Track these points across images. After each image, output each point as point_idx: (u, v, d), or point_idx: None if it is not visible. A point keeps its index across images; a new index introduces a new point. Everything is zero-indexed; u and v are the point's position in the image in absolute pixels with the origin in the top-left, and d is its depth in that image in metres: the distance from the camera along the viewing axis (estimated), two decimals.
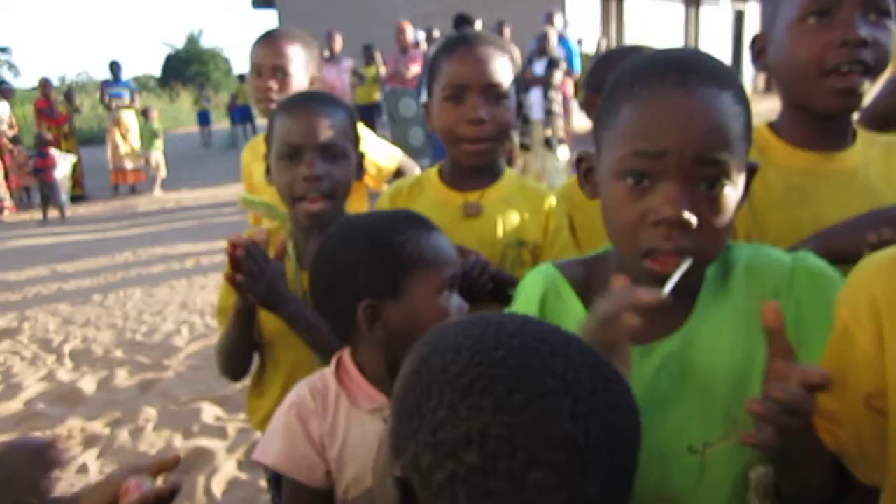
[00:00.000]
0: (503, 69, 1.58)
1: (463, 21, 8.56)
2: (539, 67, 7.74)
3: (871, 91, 1.26)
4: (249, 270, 1.44)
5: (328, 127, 1.56)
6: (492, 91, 1.56)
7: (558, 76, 7.70)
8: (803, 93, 1.26)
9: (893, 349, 0.88)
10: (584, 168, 1.05)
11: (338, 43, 9.42)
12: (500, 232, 1.59)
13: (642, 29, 14.52)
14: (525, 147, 7.85)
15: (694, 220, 0.89)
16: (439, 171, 1.69)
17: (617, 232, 0.97)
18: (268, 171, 1.64)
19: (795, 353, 0.88)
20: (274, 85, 2.18)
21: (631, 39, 12.24)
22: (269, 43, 2.22)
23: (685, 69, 0.92)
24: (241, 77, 20.22)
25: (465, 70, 1.56)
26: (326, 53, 9.20)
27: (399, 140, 8.17)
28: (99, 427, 3.75)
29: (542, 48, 7.86)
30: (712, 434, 0.97)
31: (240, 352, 1.63)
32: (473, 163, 1.61)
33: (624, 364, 0.86)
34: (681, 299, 0.99)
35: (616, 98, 0.96)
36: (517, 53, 6.76)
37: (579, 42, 10.12)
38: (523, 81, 7.58)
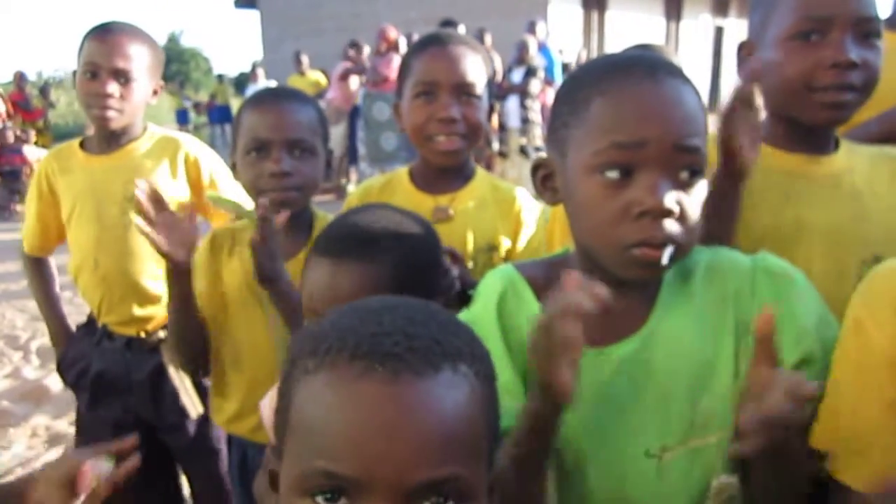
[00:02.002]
0: (475, 69, 1.58)
1: (448, 26, 8.58)
2: (517, 76, 7.78)
3: (859, 108, 1.26)
4: (261, 236, 1.42)
5: (296, 122, 1.56)
6: (463, 90, 1.56)
7: (535, 85, 7.76)
8: (789, 105, 1.27)
9: None
10: (541, 175, 1.04)
11: (392, 35, 8.85)
12: (470, 237, 1.59)
13: (623, 41, 14.62)
14: (503, 154, 7.89)
15: (677, 208, 0.90)
16: (410, 174, 1.69)
17: (595, 228, 0.95)
18: (233, 167, 1.63)
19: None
20: (115, 90, 1.92)
21: (612, 51, 12.33)
22: (110, 39, 1.92)
23: (651, 62, 0.95)
24: (220, 77, 20.11)
25: (436, 68, 1.55)
26: (384, 46, 8.86)
27: (370, 145, 8.15)
28: (64, 426, 3.69)
29: (521, 57, 7.90)
30: (670, 438, 0.97)
31: (190, 331, 1.61)
32: (444, 163, 1.60)
33: (563, 371, 0.81)
34: (640, 302, 1.00)
35: (582, 96, 0.96)
36: (498, 61, 6.76)
37: (560, 52, 10.17)
38: (500, 89, 7.57)
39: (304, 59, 10.33)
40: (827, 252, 1.22)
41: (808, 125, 1.27)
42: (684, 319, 1.00)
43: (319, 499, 0.66)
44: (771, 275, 1.01)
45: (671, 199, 0.90)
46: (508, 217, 1.63)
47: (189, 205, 1.66)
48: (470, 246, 1.58)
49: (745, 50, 1.36)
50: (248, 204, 1.63)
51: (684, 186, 0.92)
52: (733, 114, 1.13)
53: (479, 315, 1.03)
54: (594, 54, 13.55)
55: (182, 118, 19.63)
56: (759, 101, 1.14)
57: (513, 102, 7.80)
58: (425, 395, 0.66)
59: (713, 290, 1.01)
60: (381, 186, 1.70)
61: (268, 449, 0.83)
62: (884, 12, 1.33)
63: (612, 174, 0.92)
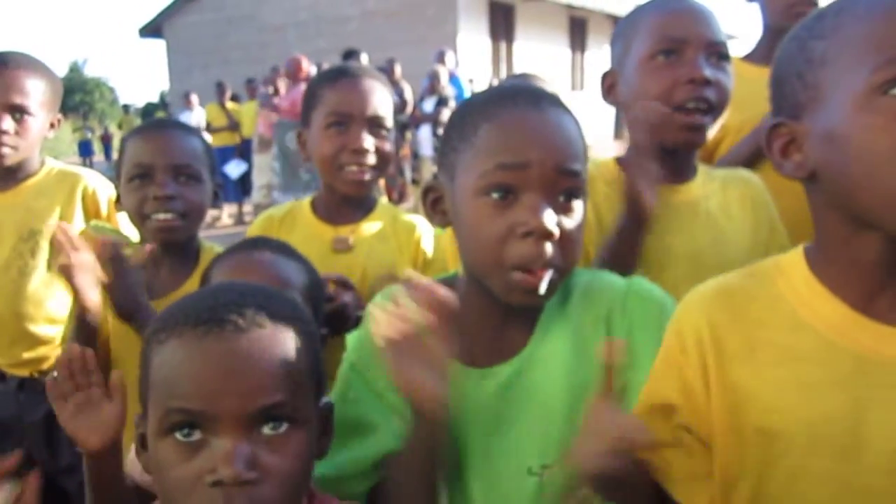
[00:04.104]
0: (386, 102, 1.63)
1: (351, 57, 8.62)
2: (429, 105, 7.90)
3: (714, 128, 1.36)
4: (114, 272, 1.40)
5: (181, 148, 1.55)
6: (375, 122, 1.59)
7: (447, 114, 7.88)
8: (654, 128, 1.34)
9: (716, 383, 0.91)
10: (431, 198, 1.07)
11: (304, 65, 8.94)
12: (370, 268, 1.61)
13: (531, 70, 15.01)
14: (416, 182, 7.98)
15: (557, 230, 0.94)
16: (312, 204, 1.70)
17: (482, 248, 0.98)
18: (118, 198, 1.61)
19: (626, 373, 0.92)
20: (10, 126, 1.82)
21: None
22: (5, 73, 1.83)
23: (534, 92, 1.02)
24: (126, 107, 19.58)
25: (350, 100, 1.58)
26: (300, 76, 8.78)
27: (287, 174, 8.08)
28: None
29: (432, 87, 8.04)
30: (550, 456, 1.00)
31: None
32: (353, 192, 1.62)
33: (427, 384, 0.89)
34: (522, 324, 1.04)
35: (470, 121, 1.00)
36: (409, 91, 6.82)
37: (471, 81, 10.37)
38: (412, 119, 7.65)
39: (228, 90, 10.07)
40: (691, 276, 1.27)
41: (669, 149, 1.35)
42: (562, 341, 1.04)
43: (178, 435, 0.81)
44: (641, 298, 1.06)
45: (552, 220, 0.94)
46: (408, 247, 1.66)
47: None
48: (370, 276, 1.60)
49: (608, 79, 1.45)
50: (134, 233, 1.60)
51: (564, 210, 0.97)
52: (633, 162, 1.20)
53: (367, 337, 1.05)
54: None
55: (85, 150, 18.98)
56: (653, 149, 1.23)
57: (425, 131, 7.92)
58: (254, 344, 0.83)
59: (589, 311, 1.05)
60: (283, 216, 1.71)
61: (135, 416, 0.90)
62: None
63: (497, 195, 0.96)
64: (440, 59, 8.93)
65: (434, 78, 8.11)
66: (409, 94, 8.64)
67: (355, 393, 1.09)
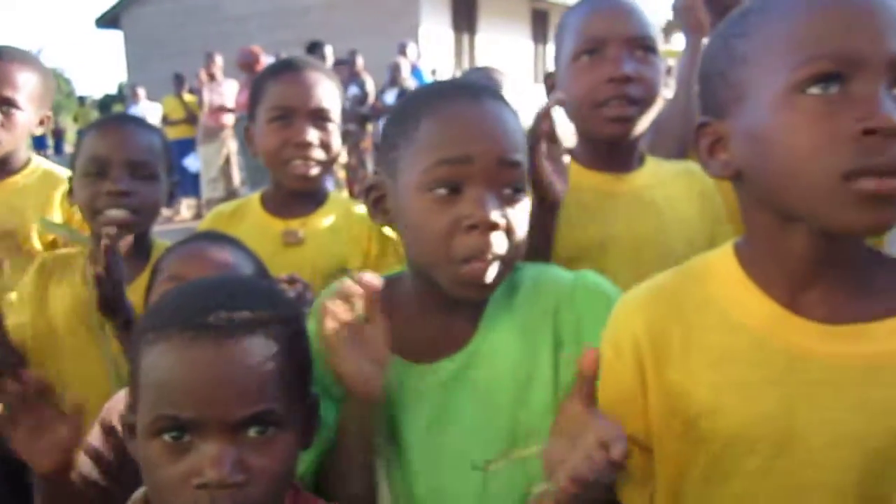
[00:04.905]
0: (331, 95, 1.61)
1: (315, 49, 8.55)
2: (390, 97, 7.86)
3: (648, 119, 1.38)
4: (107, 264, 1.36)
5: (138, 144, 1.53)
6: (320, 115, 1.58)
7: None
8: (584, 123, 1.39)
9: (654, 385, 0.92)
10: (373, 197, 1.06)
11: (218, 65, 8.93)
12: (321, 261, 1.60)
13: (493, 62, 15.03)
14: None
15: (503, 221, 0.95)
16: (262, 198, 1.69)
17: (428, 244, 0.98)
18: (70, 192, 1.58)
19: (574, 366, 0.90)
20: None
21: None
22: None
23: (474, 86, 1.03)
24: (82, 99, 19.18)
25: (293, 93, 1.57)
26: (204, 77, 8.77)
27: (251, 167, 7.99)
28: None
29: (394, 78, 8.00)
30: (494, 451, 1.00)
31: None
32: (300, 187, 1.61)
33: (362, 368, 0.93)
34: (467, 319, 1.05)
35: (410, 117, 1.00)
36: (371, 83, 6.77)
37: (433, 72, 10.35)
38: (374, 111, 7.61)
39: (186, 82, 9.92)
40: (631, 263, 1.31)
41: (604, 141, 1.38)
42: (507, 335, 1.04)
43: (166, 437, 0.84)
44: (589, 290, 1.07)
45: (497, 212, 0.95)
46: (361, 240, 1.65)
47: None
48: (321, 268, 1.59)
49: (549, 80, 1.48)
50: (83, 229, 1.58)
51: (509, 202, 0.97)
52: (539, 149, 1.20)
53: (313, 330, 1.05)
54: None
55: (39, 143, 18.57)
56: (562, 132, 1.23)
57: None
58: (241, 354, 0.85)
59: (535, 305, 1.06)
60: (232, 212, 1.69)
61: (125, 405, 0.95)
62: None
63: (441, 191, 0.95)
64: (402, 50, 8.90)
65: (395, 70, 8.08)
66: (370, 86, 8.60)
67: None
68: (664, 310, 0.93)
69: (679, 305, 0.92)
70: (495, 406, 1.01)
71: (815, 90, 0.78)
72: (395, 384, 1.01)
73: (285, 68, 1.63)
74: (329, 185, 6.42)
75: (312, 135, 1.56)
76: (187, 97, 9.82)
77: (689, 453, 0.90)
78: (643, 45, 1.35)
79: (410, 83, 8.16)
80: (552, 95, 1.28)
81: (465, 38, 15.07)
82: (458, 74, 12.43)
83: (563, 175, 1.24)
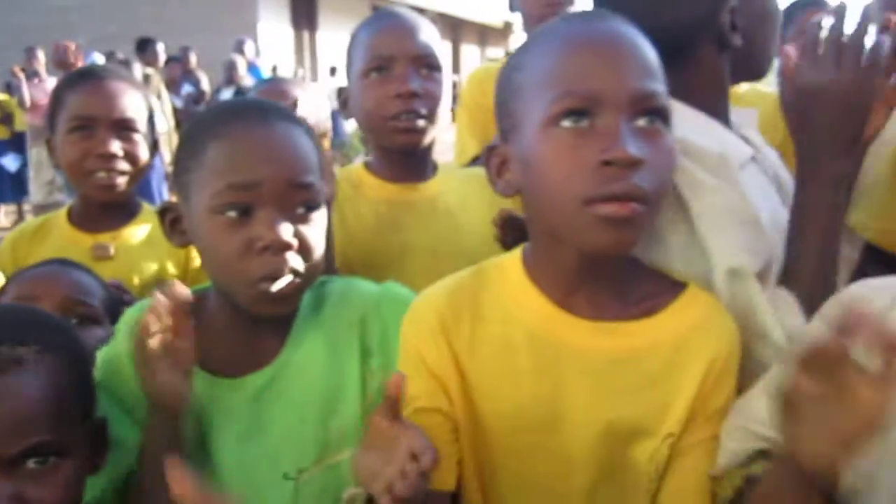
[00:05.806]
0: (135, 105, 1.59)
1: (145, 45, 8.17)
2: (227, 96, 7.66)
3: (433, 130, 1.48)
4: None
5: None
6: (123, 125, 1.55)
7: None
8: (376, 135, 1.48)
9: (452, 372, 0.99)
10: (170, 218, 1.07)
11: (41, 61, 8.26)
12: (134, 274, 1.57)
13: (336, 59, 14.94)
14: None
15: (295, 241, 0.97)
16: (68, 213, 1.64)
17: (222, 266, 0.99)
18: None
19: (382, 374, 1.01)
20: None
21: (325, 69, 12.52)
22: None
23: (262, 107, 1.04)
24: None
25: (93, 102, 1.54)
26: (20, 73, 8.06)
27: None
28: None
29: (230, 77, 7.81)
30: (305, 460, 1.04)
31: None
32: (105, 199, 1.58)
33: (167, 378, 0.95)
34: (275, 333, 1.07)
35: (197, 140, 1.01)
36: (205, 80, 6.55)
37: (274, 69, 10.14)
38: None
39: None
40: (428, 268, 1.38)
41: (397, 151, 1.48)
42: (315, 347, 1.07)
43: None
44: (395, 302, 1.10)
45: (289, 233, 0.97)
46: (178, 252, 1.62)
47: None
48: (136, 282, 1.56)
49: (343, 94, 1.56)
50: None
51: (302, 220, 1.00)
52: None
53: (114, 353, 1.06)
54: (308, 74, 13.70)
55: None
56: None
57: None
58: (16, 383, 0.85)
59: (342, 317, 1.09)
60: (36, 229, 1.63)
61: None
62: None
63: (232, 214, 0.96)
64: (239, 48, 8.69)
65: (231, 68, 7.88)
66: (206, 84, 8.34)
67: (104, 411, 1.07)
68: (457, 305, 1.00)
69: (470, 301, 1.01)
70: (306, 417, 1.04)
71: (567, 123, 0.88)
72: (204, 399, 1.03)
73: (85, 77, 1.59)
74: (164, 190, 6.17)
75: (116, 146, 1.53)
76: (1, 95, 9.07)
77: (478, 434, 1.00)
78: (428, 63, 1.45)
79: (248, 81, 7.98)
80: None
81: (306, 35, 14.89)
82: (300, 73, 12.27)
83: (330, 180, 1.25)
